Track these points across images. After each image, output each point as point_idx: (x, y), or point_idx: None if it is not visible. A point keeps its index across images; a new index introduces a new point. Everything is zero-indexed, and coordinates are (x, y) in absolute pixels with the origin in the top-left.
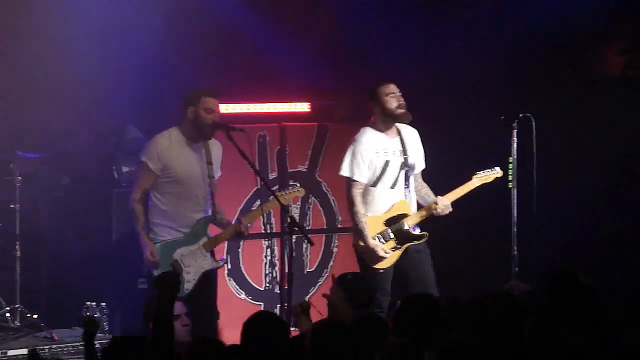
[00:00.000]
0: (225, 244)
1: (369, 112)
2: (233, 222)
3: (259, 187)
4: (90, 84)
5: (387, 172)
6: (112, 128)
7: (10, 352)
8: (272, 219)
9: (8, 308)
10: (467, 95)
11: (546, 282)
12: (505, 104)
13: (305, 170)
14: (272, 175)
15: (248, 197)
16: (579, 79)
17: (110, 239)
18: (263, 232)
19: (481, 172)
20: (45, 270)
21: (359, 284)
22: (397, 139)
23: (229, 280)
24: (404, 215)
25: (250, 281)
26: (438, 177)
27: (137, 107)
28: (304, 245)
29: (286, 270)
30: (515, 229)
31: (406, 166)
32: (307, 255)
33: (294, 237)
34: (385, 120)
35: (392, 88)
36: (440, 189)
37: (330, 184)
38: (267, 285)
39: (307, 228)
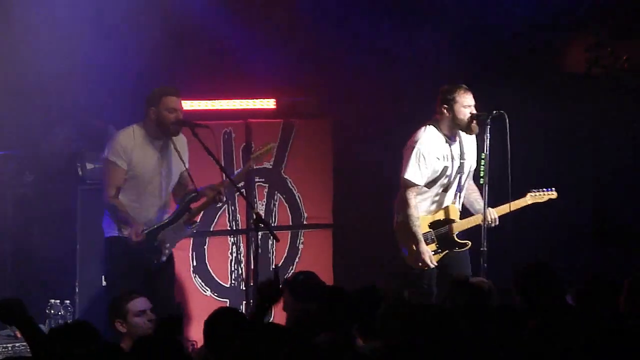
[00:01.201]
0: (191, 240)
1: (435, 109)
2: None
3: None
4: (62, 82)
5: (443, 177)
6: (85, 127)
7: None
8: (238, 215)
9: None
10: (434, 91)
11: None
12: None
13: (270, 166)
14: (237, 172)
15: None
16: (548, 76)
17: (75, 237)
18: (229, 228)
19: (536, 190)
20: (10, 267)
21: (305, 281)
22: (457, 142)
23: (195, 277)
24: (451, 221)
25: (216, 278)
26: None
27: (104, 105)
28: (270, 242)
29: (252, 267)
30: (485, 225)
31: (462, 171)
32: (272, 252)
33: (259, 233)
34: (451, 127)
35: (470, 100)
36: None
37: (296, 180)
38: (233, 282)
39: (272, 225)
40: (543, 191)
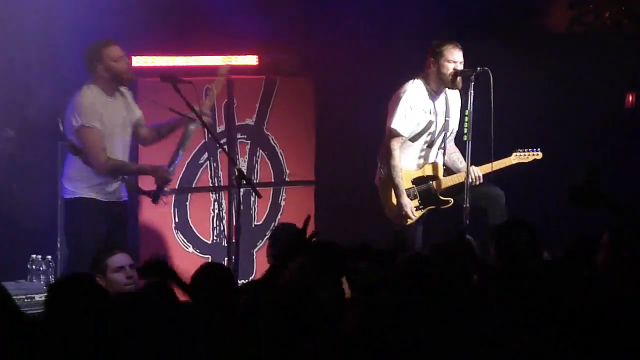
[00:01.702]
0: (173, 197)
1: (425, 63)
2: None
3: (206, 140)
4: (42, 39)
5: (427, 132)
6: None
7: None
8: (220, 172)
9: None
10: (416, 49)
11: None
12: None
13: (252, 123)
14: (220, 129)
15: (195, 150)
16: (531, 33)
17: (56, 191)
18: (211, 185)
19: (521, 150)
20: None
21: (281, 234)
22: (443, 98)
23: (177, 233)
24: (434, 178)
25: (198, 234)
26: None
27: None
28: (252, 199)
29: (234, 224)
30: (468, 182)
31: (446, 128)
32: (254, 209)
33: (241, 190)
34: (437, 82)
35: (457, 55)
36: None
37: (278, 137)
38: (215, 238)
39: (254, 181)
40: (528, 151)
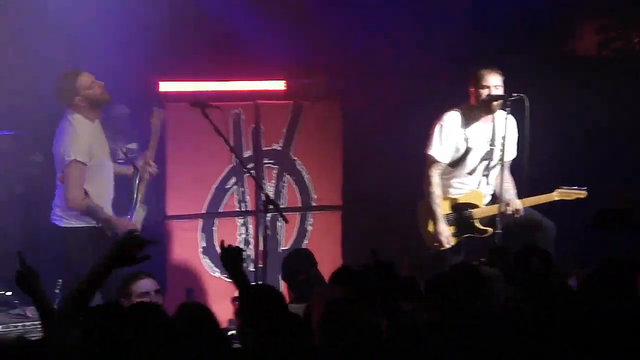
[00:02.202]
0: (200, 221)
1: (467, 93)
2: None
3: (233, 165)
4: (65, 61)
5: (468, 158)
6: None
7: None
8: (247, 196)
9: None
10: (445, 74)
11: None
12: None
13: (280, 148)
14: (247, 154)
15: (223, 175)
16: (560, 58)
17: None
18: (238, 209)
19: (566, 187)
20: (18, 247)
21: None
22: (490, 125)
23: (204, 258)
24: (473, 206)
25: None
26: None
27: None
28: (279, 224)
29: (261, 249)
30: (502, 209)
31: (489, 157)
32: (281, 234)
33: (268, 215)
34: (477, 108)
35: (491, 79)
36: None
37: (305, 162)
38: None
39: (281, 206)
40: (573, 189)
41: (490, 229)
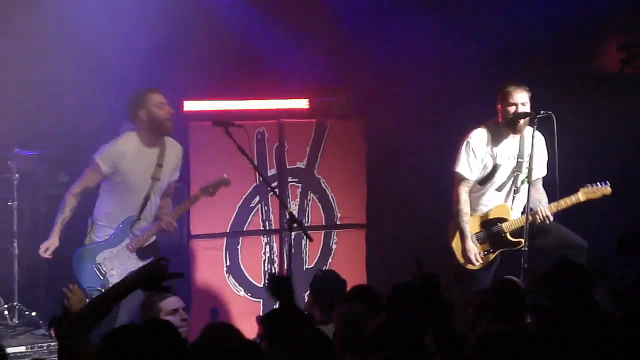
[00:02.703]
0: (224, 240)
1: (494, 110)
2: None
3: (257, 183)
4: (89, 81)
5: (496, 175)
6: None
7: (9, 350)
8: (271, 215)
9: (6, 306)
10: (467, 91)
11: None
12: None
13: (304, 167)
14: (271, 172)
15: (247, 193)
16: (581, 75)
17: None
18: (262, 228)
19: (589, 185)
20: (44, 267)
21: (324, 282)
22: (517, 141)
23: (228, 277)
24: (503, 220)
25: (249, 278)
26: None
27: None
28: (303, 242)
29: (285, 267)
30: (527, 226)
31: (518, 171)
32: (306, 252)
33: (292, 233)
34: (502, 127)
35: (518, 97)
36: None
37: (329, 180)
38: (267, 282)
39: (306, 224)
40: (596, 186)
41: (522, 240)
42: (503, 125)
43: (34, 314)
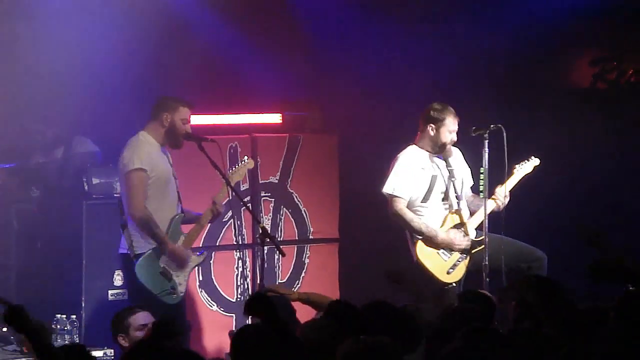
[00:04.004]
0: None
1: (418, 128)
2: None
3: (230, 198)
4: (60, 96)
5: (436, 186)
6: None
7: None
8: (244, 230)
9: None
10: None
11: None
12: (475, 115)
13: (276, 181)
14: (244, 187)
15: None
16: (550, 89)
17: (81, 251)
18: (234, 243)
19: (518, 164)
20: (15, 282)
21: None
22: (441, 156)
23: (201, 291)
24: (461, 225)
25: (222, 293)
26: None
27: (101, 120)
28: (276, 257)
29: (258, 282)
30: (487, 239)
31: (453, 177)
32: (279, 267)
33: (265, 248)
34: (433, 147)
35: (456, 125)
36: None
37: (301, 195)
38: (239, 296)
39: (278, 239)
40: (525, 162)
41: (483, 236)
42: (433, 145)
43: (4, 329)
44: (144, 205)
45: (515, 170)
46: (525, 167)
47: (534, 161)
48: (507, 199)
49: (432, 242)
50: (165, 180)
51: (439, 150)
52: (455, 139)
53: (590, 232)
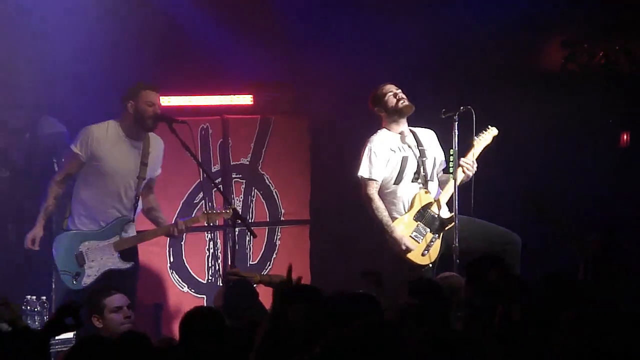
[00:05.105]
0: (168, 237)
1: (378, 119)
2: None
3: (201, 179)
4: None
5: (407, 167)
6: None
7: None
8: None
9: None
10: (408, 88)
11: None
12: (445, 97)
13: (247, 163)
14: (215, 168)
15: (191, 189)
16: (522, 71)
17: (51, 232)
18: (206, 224)
19: (477, 136)
20: None
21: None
22: (411, 136)
23: (172, 273)
24: (429, 205)
25: (193, 274)
26: None
27: (70, 102)
28: (247, 238)
29: (229, 263)
30: (457, 222)
31: (424, 157)
32: (250, 248)
33: (236, 229)
34: (393, 120)
35: (389, 87)
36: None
37: (273, 176)
38: (210, 278)
39: (249, 221)
40: (483, 132)
41: (451, 214)
42: (394, 122)
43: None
44: (58, 179)
45: (474, 142)
46: (484, 137)
47: (492, 131)
48: (475, 166)
49: (401, 226)
50: (111, 173)
51: (401, 115)
52: (405, 98)
53: (534, 198)
